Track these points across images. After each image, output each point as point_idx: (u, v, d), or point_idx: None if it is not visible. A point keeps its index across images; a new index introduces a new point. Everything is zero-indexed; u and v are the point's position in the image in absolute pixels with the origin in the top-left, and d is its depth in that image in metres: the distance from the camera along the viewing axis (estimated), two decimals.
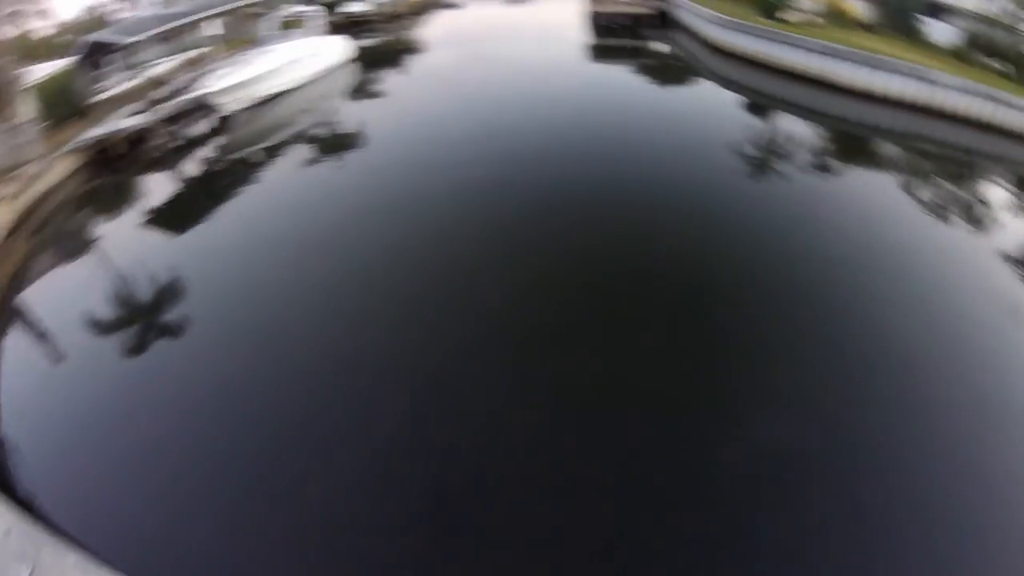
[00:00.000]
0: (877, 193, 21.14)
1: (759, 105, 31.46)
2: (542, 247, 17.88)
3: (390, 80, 43.36)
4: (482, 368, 13.37)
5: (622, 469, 10.74)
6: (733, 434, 11.15)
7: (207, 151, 32.89)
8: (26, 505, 10.82)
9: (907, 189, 21.39)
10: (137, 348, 16.03)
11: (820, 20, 35.55)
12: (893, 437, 11.13)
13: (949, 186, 21.95)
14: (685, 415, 11.72)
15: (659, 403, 12.03)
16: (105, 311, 17.66)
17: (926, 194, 21.10)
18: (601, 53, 46.52)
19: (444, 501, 10.22)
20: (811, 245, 17.19)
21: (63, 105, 34.05)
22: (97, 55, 36.10)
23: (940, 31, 33.44)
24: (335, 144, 30.36)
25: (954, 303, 15.00)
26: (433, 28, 66.05)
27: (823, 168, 23.04)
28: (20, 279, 20.97)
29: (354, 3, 67.69)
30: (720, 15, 39.52)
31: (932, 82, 26.94)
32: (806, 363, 12.95)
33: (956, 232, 18.94)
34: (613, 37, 49.73)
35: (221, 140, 33.96)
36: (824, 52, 31.46)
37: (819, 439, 11.14)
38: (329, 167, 27.47)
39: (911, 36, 34.61)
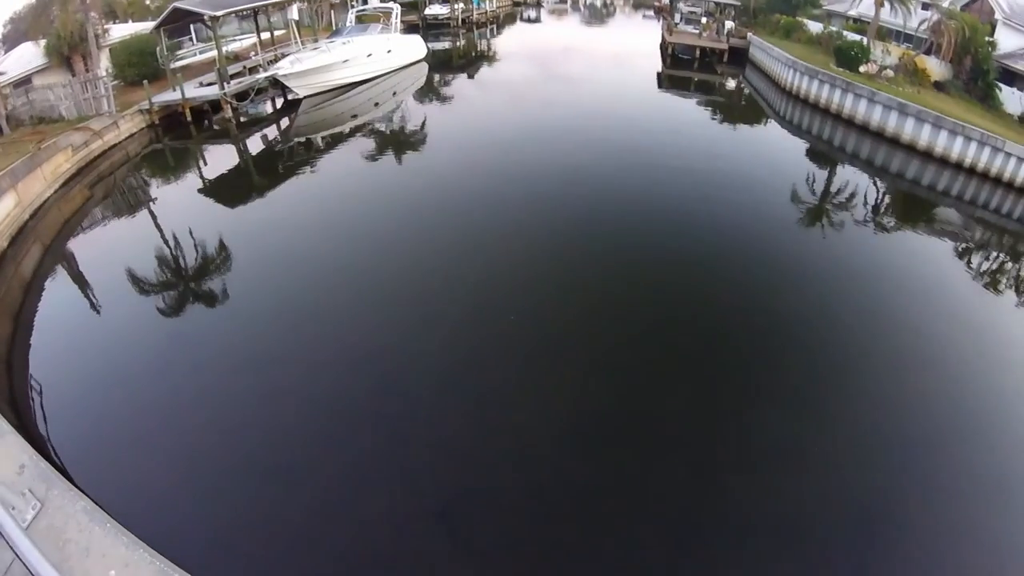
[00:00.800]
0: (930, 256, 20.39)
1: (822, 153, 30.67)
2: (588, 269, 17.32)
3: (459, 85, 43.48)
4: (509, 383, 12.85)
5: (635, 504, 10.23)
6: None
7: (271, 131, 33.12)
8: (44, 445, 10.68)
9: (960, 256, 20.56)
10: (174, 309, 15.96)
11: (893, 75, 34.77)
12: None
13: (1003, 258, 21.07)
14: (727, 472, 11.08)
15: (695, 454, 11.42)
16: (147, 270, 17.64)
17: (978, 263, 20.27)
18: (672, 83, 46.32)
19: (457, 506, 9.82)
20: (857, 301, 16.50)
21: (140, 66, 34.51)
22: (179, 23, 36.55)
23: (1015, 100, 32.61)
24: (396, 140, 30.25)
25: (996, 377, 14.19)
26: (508, 39, 66.56)
27: (879, 225, 22.29)
28: (72, 226, 21.17)
29: (434, 5, 68.47)
30: (795, 59, 38.58)
31: (998, 150, 25.86)
32: (840, 416, 12.25)
33: (1006, 305, 18.13)
34: (686, 69, 49.52)
35: (286, 122, 34.16)
36: (893, 107, 30.58)
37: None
38: (387, 162, 27.29)
39: (984, 101, 33.81)
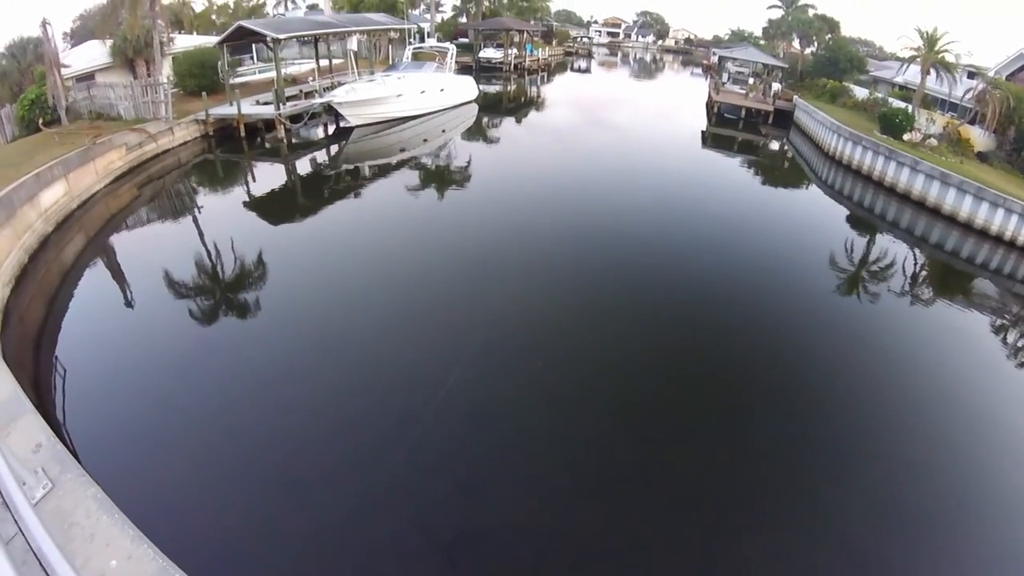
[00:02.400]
0: (966, 330, 19.83)
1: (862, 220, 30.10)
2: (618, 320, 17.03)
3: (507, 127, 43.90)
4: (531, 427, 12.52)
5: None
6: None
7: (320, 155, 33.53)
8: (61, 429, 10.62)
9: (997, 332, 20.00)
10: (205, 315, 15.94)
11: (936, 143, 34.54)
12: None
13: None
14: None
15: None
16: (184, 273, 17.66)
17: (1015, 339, 19.70)
18: (716, 141, 46.36)
19: (465, 543, 9.47)
20: (890, 371, 16.02)
21: (200, 78, 35.24)
22: (241, 40, 37.32)
23: None
24: (441, 177, 30.31)
25: None
26: (558, 87, 67.49)
27: (916, 296, 21.79)
28: (117, 221, 21.43)
29: (488, 49, 69.74)
30: (840, 124, 38.36)
31: None
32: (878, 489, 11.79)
33: None
34: (730, 128, 49.60)
35: (335, 148, 34.54)
36: (935, 177, 30.03)
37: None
38: (429, 197, 27.22)
39: None
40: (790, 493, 11.42)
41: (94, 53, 36.27)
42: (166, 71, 35.18)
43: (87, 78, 33.02)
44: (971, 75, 39.92)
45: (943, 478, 12.40)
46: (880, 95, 45.83)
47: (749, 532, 10.22)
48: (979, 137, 35.93)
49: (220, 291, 17.26)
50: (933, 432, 13.89)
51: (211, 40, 38.99)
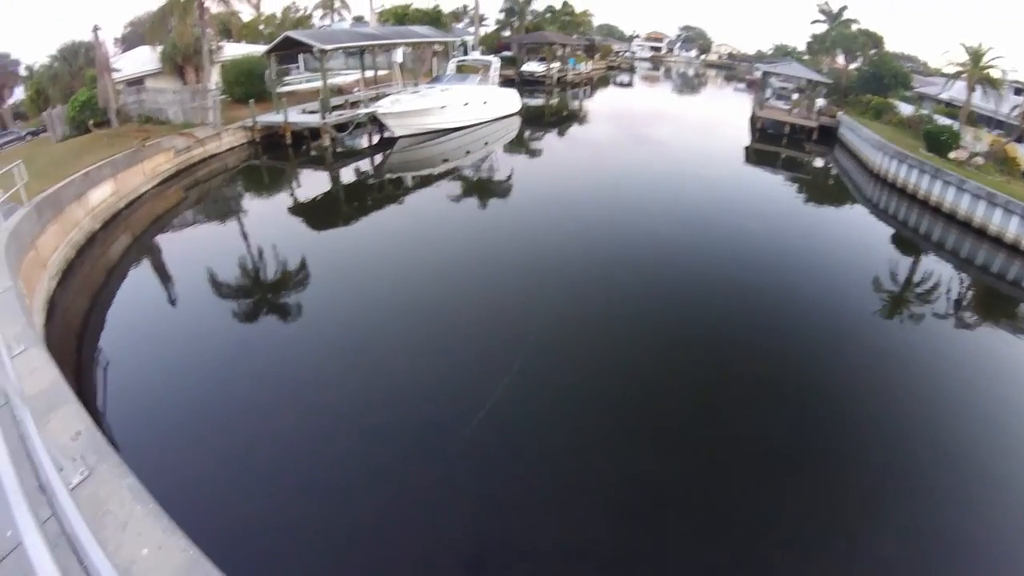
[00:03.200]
0: (1012, 356, 19.01)
1: (907, 240, 29.19)
2: (654, 335, 16.47)
3: (549, 140, 43.69)
4: (559, 445, 12.16)
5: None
6: None
7: (364, 164, 33.63)
8: (101, 419, 10.72)
9: None
10: (247, 316, 16.01)
11: (982, 162, 33.47)
12: None
13: None
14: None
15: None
16: (227, 275, 17.75)
17: None
18: (759, 157, 45.53)
19: (489, 558, 9.30)
20: (932, 395, 15.35)
21: (247, 85, 35.57)
22: (288, 50, 37.63)
23: None
24: (482, 189, 30.11)
25: None
26: (600, 101, 67.29)
27: (960, 320, 20.93)
28: (163, 222, 21.69)
29: (531, 63, 69.84)
30: (884, 141, 36.92)
31: None
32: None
33: None
34: (774, 144, 48.46)
35: (379, 157, 34.63)
36: (981, 196, 28.63)
37: None
38: (470, 208, 27.07)
39: None
40: (828, 521, 10.88)
41: (144, 58, 36.95)
42: (214, 78, 35.59)
43: (137, 82, 33.61)
44: (1018, 91, 38.95)
45: (984, 508, 11.78)
46: (925, 112, 44.75)
47: (776, 550, 9.99)
48: None
49: (261, 294, 17.31)
50: (975, 460, 13.25)
51: (259, 49, 39.46)
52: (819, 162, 45.55)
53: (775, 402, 14.44)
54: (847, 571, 9.85)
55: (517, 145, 41.96)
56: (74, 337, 13.59)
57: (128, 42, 43.77)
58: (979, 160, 33.82)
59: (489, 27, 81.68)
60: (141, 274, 17.85)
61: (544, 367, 14.56)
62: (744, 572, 9.53)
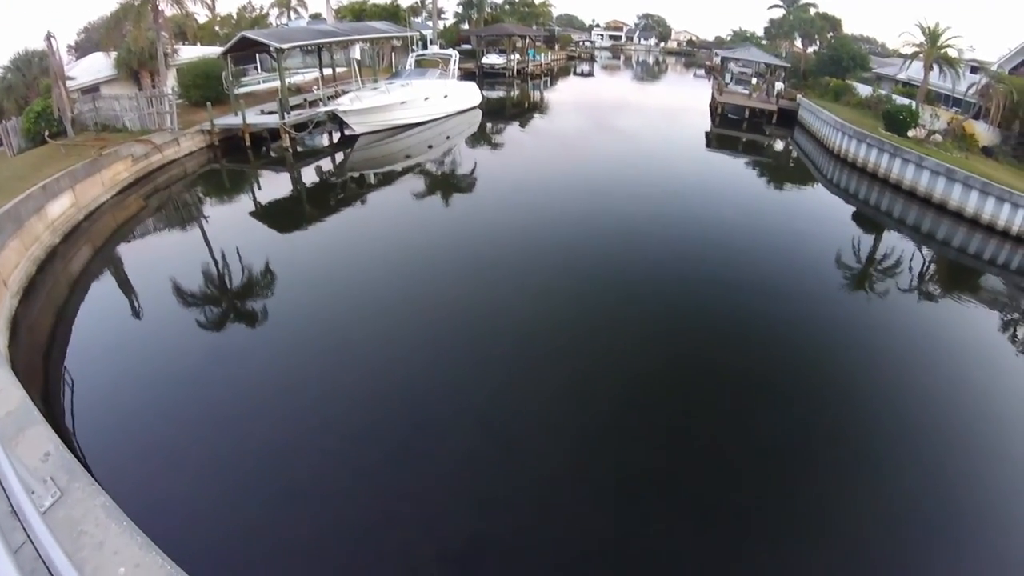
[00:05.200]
0: (976, 327, 19.59)
1: (869, 218, 30.10)
2: (627, 322, 16.86)
3: (511, 133, 43.85)
4: (541, 434, 12.37)
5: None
6: None
7: (325, 163, 33.63)
8: (70, 438, 10.62)
9: (1006, 327, 19.76)
10: (213, 324, 15.94)
11: (941, 139, 34.36)
12: None
13: None
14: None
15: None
16: (192, 283, 17.68)
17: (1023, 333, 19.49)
18: (720, 142, 46.36)
19: (474, 551, 9.30)
20: (897, 368, 15.82)
21: (204, 88, 35.35)
22: (244, 51, 37.44)
23: None
24: (446, 183, 30.26)
25: None
26: (561, 91, 67.57)
27: (924, 293, 21.55)
28: (124, 232, 21.49)
29: (491, 55, 69.88)
30: (844, 122, 38.39)
31: None
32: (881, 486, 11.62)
33: None
34: (734, 128, 49.48)
35: (340, 156, 34.67)
36: (941, 173, 29.93)
37: None
38: (434, 203, 27.22)
39: None
40: (800, 493, 11.35)
41: (99, 65, 36.49)
42: (170, 82, 35.26)
43: (92, 90, 33.15)
44: (974, 70, 39.81)
45: (954, 473, 12.27)
46: (884, 92, 45.67)
47: (764, 539, 10.15)
48: (984, 132, 35.74)
49: (228, 301, 17.24)
50: (943, 426, 13.79)
51: (215, 51, 39.08)
52: (780, 145, 46.42)
53: (750, 377, 14.84)
54: (829, 542, 10.23)
55: (479, 138, 42.14)
56: (40, 356, 13.49)
57: (82, 49, 43.16)
58: (938, 138, 34.76)
59: (448, 21, 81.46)
60: (105, 287, 17.73)
61: (518, 357, 14.83)
62: (731, 556, 9.75)
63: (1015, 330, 19.68)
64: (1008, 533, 10.88)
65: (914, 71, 44.02)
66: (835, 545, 10.17)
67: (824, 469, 12.16)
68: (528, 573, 9.19)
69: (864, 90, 48.53)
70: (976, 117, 37.03)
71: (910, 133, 35.53)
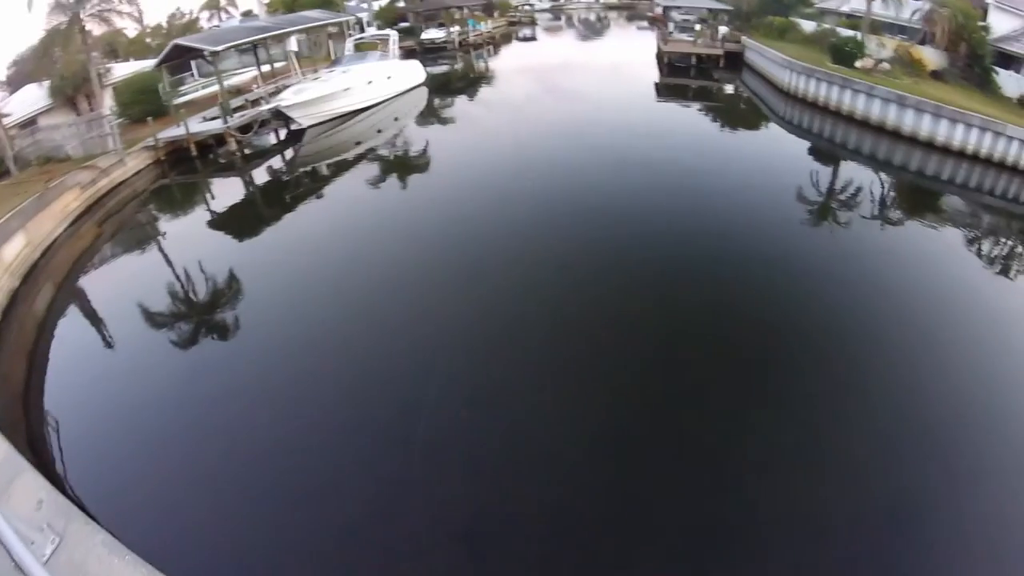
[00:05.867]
0: (939, 246, 20.10)
1: (825, 151, 30.86)
2: (603, 281, 17.11)
3: (460, 106, 43.59)
4: (528, 405, 12.50)
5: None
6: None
7: (276, 161, 33.38)
8: (61, 481, 10.66)
9: (968, 241, 20.31)
10: (187, 342, 15.96)
11: (889, 68, 34.79)
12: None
13: (1015, 243, 20.79)
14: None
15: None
16: (159, 303, 17.67)
17: (989, 249, 20.00)
18: (670, 92, 46.55)
19: (481, 528, 9.73)
20: (868, 294, 16.13)
21: (143, 103, 34.84)
22: (179, 59, 36.87)
23: (1012, 82, 32.33)
24: (401, 165, 30.35)
25: (1016, 363, 13.91)
26: (505, 59, 66.99)
27: (886, 219, 22.05)
28: (83, 263, 21.34)
29: (430, 30, 69.04)
30: (790, 59, 38.88)
31: (1000, 134, 25.73)
32: (859, 411, 12.00)
33: (1020, 291, 17.86)
34: (683, 76, 49.62)
35: (290, 152, 34.42)
36: (892, 100, 30.59)
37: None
38: (392, 187, 27.37)
39: (982, 87, 33.34)
40: (787, 421, 11.84)
41: (33, 97, 35.79)
42: (108, 103, 34.71)
43: (30, 123, 32.58)
44: None
45: (936, 390, 12.74)
46: (828, 26, 45.73)
47: (759, 468, 10.62)
48: (931, 57, 36.03)
49: (197, 316, 17.34)
50: (922, 343, 14.30)
51: (149, 64, 38.42)
52: (730, 88, 46.70)
53: (724, 318, 15.34)
54: (817, 471, 10.66)
55: (428, 116, 41.96)
56: (19, 404, 13.47)
57: (14, 83, 42.25)
58: (886, 66, 35.03)
59: (383, 1, 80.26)
60: (73, 322, 17.62)
61: (496, 330, 15.15)
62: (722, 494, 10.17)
63: (979, 245, 20.33)
64: (987, 439, 11.38)
65: (857, 2, 44.05)
66: (831, 467, 10.70)
67: (813, 397, 12.63)
68: (528, 548, 9.45)
69: (808, 26, 48.58)
70: (922, 43, 37.31)
71: (858, 64, 35.80)
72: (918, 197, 25.02)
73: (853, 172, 26.85)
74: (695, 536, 9.60)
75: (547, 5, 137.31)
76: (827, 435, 11.46)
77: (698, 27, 56.33)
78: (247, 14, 67.68)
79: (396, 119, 40.13)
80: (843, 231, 20.75)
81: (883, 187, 25.34)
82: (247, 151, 33.97)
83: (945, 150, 27.89)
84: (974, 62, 34.41)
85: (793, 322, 15.29)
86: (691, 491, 10.31)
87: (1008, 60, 33.36)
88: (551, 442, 11.43)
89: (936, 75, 35.16)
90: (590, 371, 13.47)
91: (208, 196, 28.64)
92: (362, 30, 51.04)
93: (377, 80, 41.09)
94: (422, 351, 14.24)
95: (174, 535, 9.69)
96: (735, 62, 50.40)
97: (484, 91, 48.82)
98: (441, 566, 9.15)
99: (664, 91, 46.54)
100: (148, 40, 56.58)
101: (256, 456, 11.45)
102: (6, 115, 28.59)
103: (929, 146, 28.47)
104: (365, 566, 9.32)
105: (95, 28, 33.43)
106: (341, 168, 30.63)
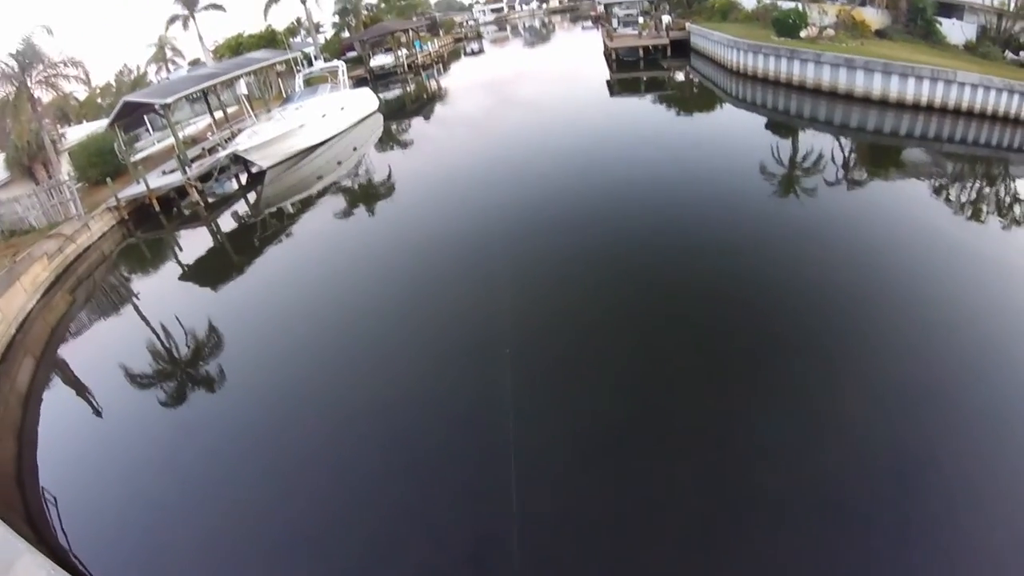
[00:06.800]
0: (907, 200, 20.48)
1: (782, 123, 31.47)
2: (583, 277, 17.56)
3: (417, 128, 44.03)
4: (511, 419, 12.47)
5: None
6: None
7: (240, 206, 33.39)
8: (65, 555, 10.66)
9: (935, 191, 20.80)
10: (175, 399, 15.93)
11: (834, 33, 35.58)
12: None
13: (981, 185, 21.36)
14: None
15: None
16: (142, 364, 17.63)
17: (957, 195, 20.49)
18: (622, 87, 47.05)
19: (486, 553, 9.62)
20: (849, 256, 16.60)
21: (100, 165, 34.81)
22: (131, 116, 36.90)
23: (956, 30, 33.06)
24: (366, 194, 30.49)
25: (1000, 307, 14.26)
26: (456, 76, 67.50)
27: (853, 181, 22.44)
28: (61, 334, 21.21)
29: (378, 56, 69.38)
30: (734, 38, 39.68)
31: (951, 82, 26.26)
32: (858, 377, 12.22)
33: (993, 232, 18.08)
34: (632, 70, 50.20)
35: (253, 195, 34.41)
36: (840, 64, 31.19)
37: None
38: (360, 217, 27.52)
39: (927, 38, 34.14)
40: (787, 396, 12.07)
41: None
42: (65, 168, 34.73)
43: None
44: None
45: (930, 347, 12.95)
46: (768, 1, 46.54)
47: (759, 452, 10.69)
48: (874, 17, 36.84)
49: (182, 371, 17.29)
50: (899, 299, 14.58)
51: (102, 124, 38.41)
52: (680, 75, 47.34)
53: (715, 298, 15.58)
54: (815, 427, 10.97)
55: (387, 142, 42.40)
56: (13, 484, 13.37)
57: None
58: (830, 32, 35.89)
59: (327, 33, 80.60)
60: (58, 395, 17.51)
61: (484, 343, 15.07)
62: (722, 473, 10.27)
63: (946, 193, 20.82)
64: (987, 391, 11.47)
65: None
66: (835, 435, 10.84)
67: (807, 356, 12.99)
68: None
69: (749, 3, 49.38)
70: (863, 4, 38.08)
71: (802, 34, 36.59)
72: (881, 154, 25.58)
73: (814, 139, 27.35)
74: (708, 518, 9.67)
75: (491, 18, 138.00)
76: (827, 402, 11.64)
77: (641, 20, 57.17)
78: (195, 63, 67.81)
79: (355, 149, 40.27)
80: (809, 198, 21.11)
81: (845, 150, 25.86)
82: (210, 199, 33.87)
83: (899, 105, 28.47)
84: (915, 16, 35.19)
85: (777, 296, 15.49)
86: (697, 472, 10.47)
87: (950, 9, 34.03)
88: (541, 446, 11.53)
89: (880, 34, 35.95)
90: (579, 379, 13.48)
91: (176, 249, 28.57)
92: (310, 64, 51.10)
93: (331, 113, 41.21)
94: (409, 376, 14.37)
95: None
96: (682, 49, 51.15)
97: (439, 110, 49.27)
98: None
99: (616, 87, 47.05)
100: (99, 100, 56.58)
101: (258, 506, 11.44)
102: None
103: (883, 103, 29.07)
104: None
105: (43, 95, 33.46)
106: (306, 205, 30.66)
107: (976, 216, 19.09)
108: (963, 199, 20.25)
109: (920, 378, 11.92)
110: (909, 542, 8.79)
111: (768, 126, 30.97)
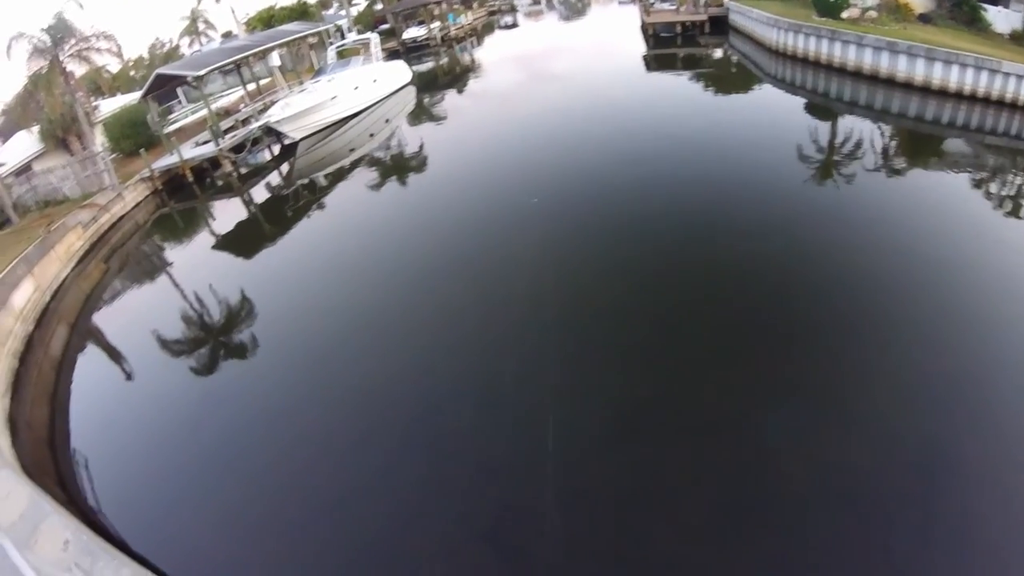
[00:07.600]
0: (946, 191, 19.64)
1: (821, 106, 30.31)
2: (616, 256, 17.05)
3: (450, 101, 43.37)
4: (539, 397, 12.18)
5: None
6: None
7: (272, 178, 33.28)
8: (87, 516, 10.62)
9: (975, 184, 19.89)
10: (206, 368, 15.94)
11: (876, 15, 34.24)
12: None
13: (1020, 178, 20.43)
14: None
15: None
16: (174, 332, 17.64)
17: (999, 189, 19.57)
18: (659, 63, 46.08)
19: (504, 527, 9.55)
20: (884, 244, 15.70)
21: (134, 136, 34.89)
22: (164, 88, 36.82)
23: (1001, 18, 31.34)
24: (398, 167, 30.20)
25: None
26: (490, 49, 66.72)
27: (891, 169, 21.60)
28: (94, 301, 21.34)
29: (411, 29, 68.73)
30: (775, 17, 38.05)
31: (996, 71, 24.81)
32: (884, 362, 11.76)
33: None
34: (669, 46, 48.87)
35: (285, 167, 34.27)
36: (882, 48, 29.80)
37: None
38: (392, 189, 27.19)
39: (972, 25, 32.93)
40: (813, 381, 11.75)
41: (24, 144, 35.97)
42: (99, 140, 34.79)
43: (25, 170, 32.67)
44: None
45: (958, 339, 12.41)
46: None
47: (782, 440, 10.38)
48: (917, 0, 35.44)
49: (215, 340, 17.24)
50: (935, 291, 14.09)
51: (135, 96, 38.45)
52: (718, 53, 45.90)
53: (747, 281, 15.16)
54: (831, 425, 10.50)
55: (419, 114, 41.84)
56: (46, 447, 13.46)
57: (3, 133, 42.46)
58: (872, 14, 34.47)
59: (360, 5, 79.93)
60: (91, 360, 17.62)
61: (516, 320, 14.83)
62: (742, 462, 9.99)
63: (987, 186, 19.87)
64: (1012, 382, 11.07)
65: None
66: (857, 425, 10.46)
67: (839, 345, 12.54)
68: (550, 542, 9.19)
69: None
70: None
71: (844, 15, 35.22)
72: (921, 143, 24.57)
73: (853, 124, 26.39)
74: (727, 510, 9.41)
75: None
76: (856, 393, 11.25)
77: None
78: (227, 35, 67.67)
79: (387, 121, 39.86)
80: (849, 185, 20.35)
81: (885, 136, 24.91)
82: (243, 171, 33.90)
83: (942, 93, 27.19)
84: (961, 1, 33.84)
85: (811, 282, 15.07)
86: (723, 457, 10.19)
87: None
88: (578, 421, 11.33)
89: (924, 18, 34.54)
90: (606, 361, 13.14)
91: (209, 219, 28.67)
92: (343, 37, 50.65)
93: (363, 85, 40.85)
94: (438, 353, 14.10)
95: (201, 559, 9.74)
96: (720, 26, 49.44)
97: (472, 83, 48.52)
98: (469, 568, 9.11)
99: (652, 63, 45.89)
100: (132, 73, 56.82)
101: (280, 476, 11.35)
102: (1, 165, 28.60)
103: (925, 90, 27.81)
104: None
105: (76, 68, 33.48)
106: (339, 177, 30.48)
107: (1016, 212, 18.26)
108: (1004, 193, 19.32)
109: (953, 373, 11.46)
110: (932, 541, 8.52)
111: (807, 108, 29.99)
